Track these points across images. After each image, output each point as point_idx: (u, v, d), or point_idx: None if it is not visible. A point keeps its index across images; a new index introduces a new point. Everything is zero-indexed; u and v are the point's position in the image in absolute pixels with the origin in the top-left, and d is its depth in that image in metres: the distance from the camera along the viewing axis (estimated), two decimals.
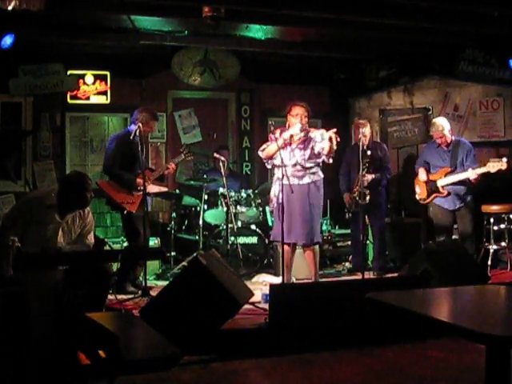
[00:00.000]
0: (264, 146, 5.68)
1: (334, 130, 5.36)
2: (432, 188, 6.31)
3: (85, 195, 4.47)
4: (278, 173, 5.61)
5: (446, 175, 6.22)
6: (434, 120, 6.61)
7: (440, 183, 6.24)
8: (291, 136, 5.56)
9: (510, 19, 6.17)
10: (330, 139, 5.34)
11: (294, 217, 5.49)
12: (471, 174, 6.04)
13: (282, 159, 5.42)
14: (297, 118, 5.57)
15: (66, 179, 4.83)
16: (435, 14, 6.13)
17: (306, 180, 5.56)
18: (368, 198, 6.13)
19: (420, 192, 6.46)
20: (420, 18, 6.22)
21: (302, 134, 5.60)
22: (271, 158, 5.59)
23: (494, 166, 5.91)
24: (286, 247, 5.52)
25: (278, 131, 5.63)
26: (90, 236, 4.73)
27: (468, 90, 7.60)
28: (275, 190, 5.59)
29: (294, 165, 5.54)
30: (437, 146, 6.39)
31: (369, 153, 6.27)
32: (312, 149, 5.57)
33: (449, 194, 6.22)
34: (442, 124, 6.30)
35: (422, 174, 6.39)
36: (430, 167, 6.43)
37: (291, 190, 5.32)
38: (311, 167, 5.59)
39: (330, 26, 6.64)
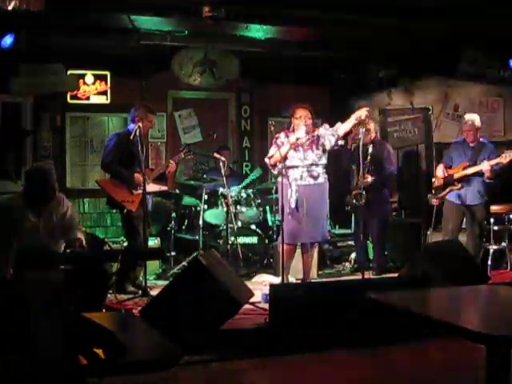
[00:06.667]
0: (271, 153, 5.59)
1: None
2: (448, 181, 6.30)
3: (46, 189, 4.46)
4: (292, 175, 5.52)
5: (464, 169, 6.22)
6: (466, 115, 6.54)
7: (456, 176, 6.23)
8: (297, 139, 5.49)
9: (510, 19, 6.17)
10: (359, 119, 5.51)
11: (312, 216, 5.49)
12: (485, 165, 6.01)
13: (298, 159, 5.47)
14: (301, 120, 5.51)
15: (26, 175, 4.91)
16: (435, 14, 6.13)
17: (321, 179, 5.61)
18: (364, 200, 6.14)
19: (437, 181, 6.42)
20: (420, 18, 6.22)
21: (308, 137, 5.53)
22: (283, 160, 5.44)
23: (507, 156, 5.91)
24: (289, 247, 5.51)
25: (282, 135, 5.59)
26: (75, 221, 4.70)
27: (468, 90, 7.59)
28: (289, 192, 5.50)
29: (311, 165, 5.53)
30: (462, 142, 6.39)
31: (370, 150, 6.23)
32: (323, 145, 5.58)
33: (462, 187, 6.20)
34: (473, 119, 6.28)
35: (438, 170, 6.39)
36: (453, 162, 6.39)
37: (307, 191, 5.42)
38: (324, 165, 5.63)
39: (329, 26, 6.63)
